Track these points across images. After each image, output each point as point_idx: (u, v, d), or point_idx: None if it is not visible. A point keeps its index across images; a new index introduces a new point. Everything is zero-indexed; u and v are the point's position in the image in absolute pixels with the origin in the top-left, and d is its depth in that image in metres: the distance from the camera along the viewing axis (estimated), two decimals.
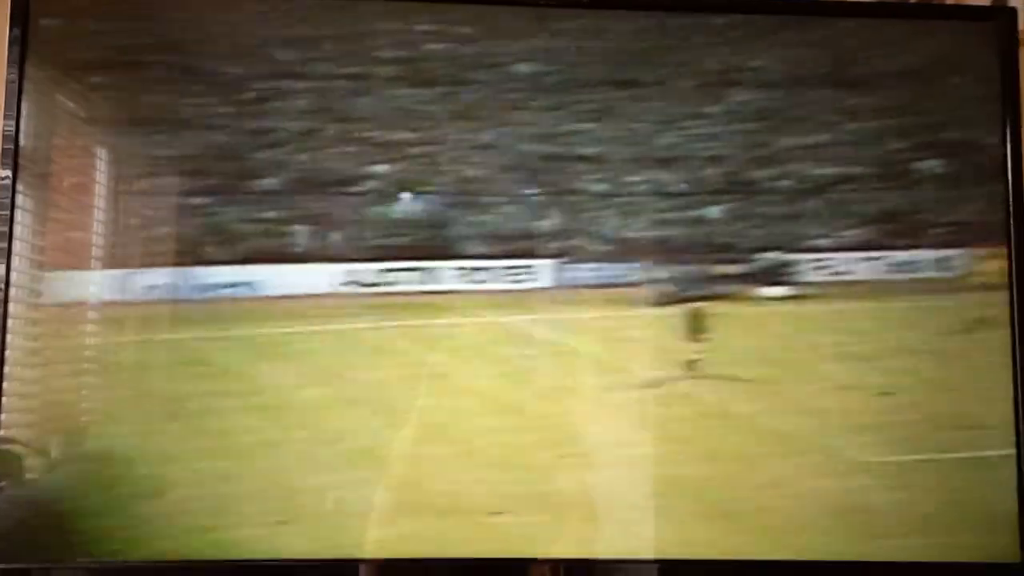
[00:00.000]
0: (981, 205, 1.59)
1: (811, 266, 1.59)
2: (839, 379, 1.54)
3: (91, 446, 1.46)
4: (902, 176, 1.61)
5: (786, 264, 1.59)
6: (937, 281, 1.58)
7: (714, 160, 1.61)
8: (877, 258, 1.60)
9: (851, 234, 1.60)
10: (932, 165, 1.60)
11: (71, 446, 1.47)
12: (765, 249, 1.59)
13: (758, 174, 1.61)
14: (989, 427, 1.51)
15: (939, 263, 1.59)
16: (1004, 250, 1.56)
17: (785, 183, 1.61)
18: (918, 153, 1.61)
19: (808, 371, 1.55)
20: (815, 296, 1.58)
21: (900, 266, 1.60)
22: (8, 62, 1.47)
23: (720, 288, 1.59)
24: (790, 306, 1.59)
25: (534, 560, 1.47)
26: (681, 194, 1.61)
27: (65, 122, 1.53)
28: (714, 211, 1.61)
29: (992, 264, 1.56)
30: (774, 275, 1.59)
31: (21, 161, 1.44)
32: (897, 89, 1.62)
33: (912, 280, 1.59)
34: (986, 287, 1.56)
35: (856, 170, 1.61)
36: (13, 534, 1.41)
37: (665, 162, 1.61)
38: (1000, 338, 1.54)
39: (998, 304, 1.55)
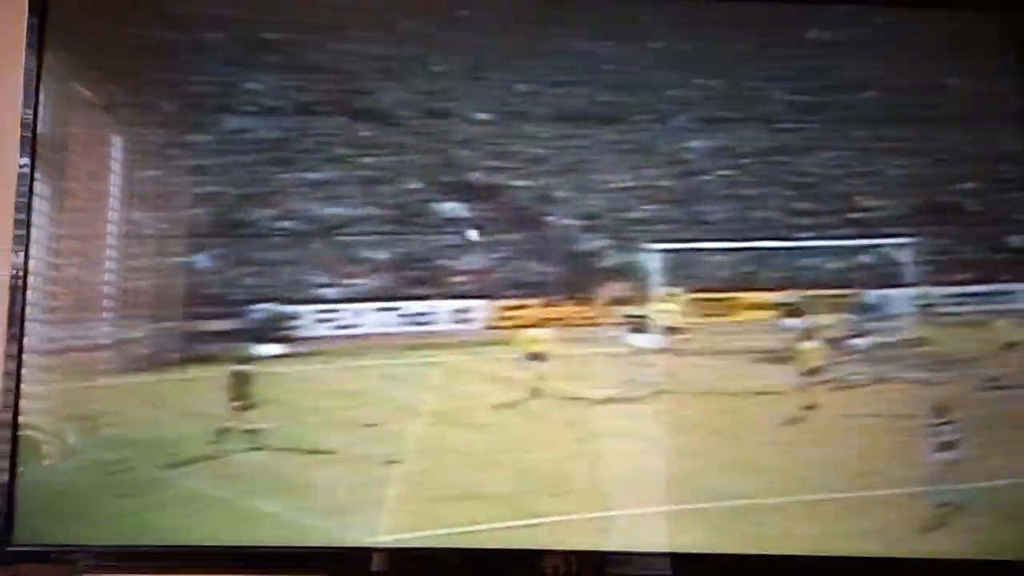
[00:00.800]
0: (509, 253, 1.46)
1: (314, 319, 1.40)
2: (341, 449, 1.34)
3: None
4: (421, 219, 1.45)
5: (285, 317, 1.39)
6: (454, 335, 1.43)
7: (202, 197, 1.38)
8: (390, 309, 1.43)
9: (361, 282, 1.42)
10: (454, 208, 1.46)
11: None
12: (260, 300, 1.38)
13: (254, 214, 1.40)
14: (502, 497, 1.35)
15: (457, 315, 1.44)
16: (536, 301, 1.44)
17: (286, 224, 1.41)
18: (438, 195, 1.46)
19: (302, 441, 1.34)
20: (318, 353, 1.39)
21: (415, 318, 1.44)
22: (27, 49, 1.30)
23: (205, 348, 1.36)
24: (290, 365, 1.38)
25: (546, 551, 1.27)
26: (159, 236, 1.36)
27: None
28: (200, 258, 1.38)
29: (526, 317, 1.43)
30: (270, 330, 1.38)
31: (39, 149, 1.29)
32: (424, 120, 1.47)
33: (429, 333, 1.43)
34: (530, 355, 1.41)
35: (369, 211, 1.44)
36: None
37: (140, 200, 1.36)
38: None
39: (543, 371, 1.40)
